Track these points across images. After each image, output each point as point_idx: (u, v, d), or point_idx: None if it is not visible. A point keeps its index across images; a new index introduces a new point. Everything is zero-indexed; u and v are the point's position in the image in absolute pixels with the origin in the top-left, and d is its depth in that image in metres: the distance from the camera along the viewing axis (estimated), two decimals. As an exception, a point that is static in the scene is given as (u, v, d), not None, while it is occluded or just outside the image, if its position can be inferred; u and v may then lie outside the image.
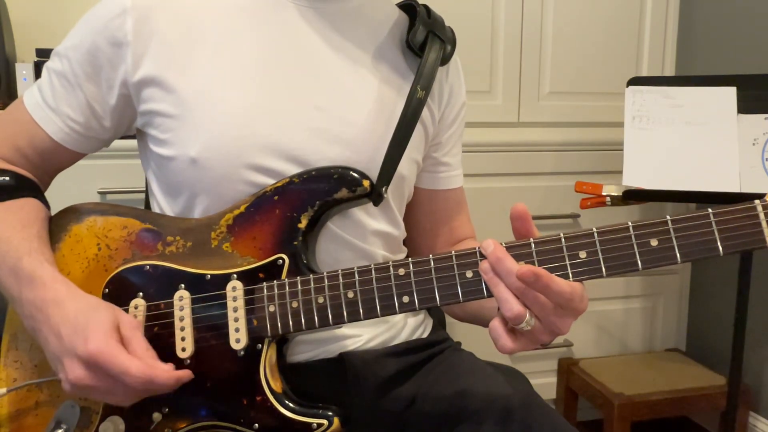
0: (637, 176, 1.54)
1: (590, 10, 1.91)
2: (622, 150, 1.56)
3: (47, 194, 0.85)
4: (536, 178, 1.85)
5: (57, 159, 0.83)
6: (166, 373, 0.66)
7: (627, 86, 1.59)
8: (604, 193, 1.57)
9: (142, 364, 0.64)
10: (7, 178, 0.79)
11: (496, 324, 0.64)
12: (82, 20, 0.80)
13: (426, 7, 0.88)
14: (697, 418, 1.99)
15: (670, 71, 2.01)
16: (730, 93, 1.50)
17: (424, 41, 0.85)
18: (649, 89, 1.57)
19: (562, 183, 1.85)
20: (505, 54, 1.87)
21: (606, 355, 1.97)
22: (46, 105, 0.80)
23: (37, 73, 1.50)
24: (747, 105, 1.49)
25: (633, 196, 1.53)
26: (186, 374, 0.68)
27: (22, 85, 1.51)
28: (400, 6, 0.92)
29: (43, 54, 1.52)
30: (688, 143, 1.51)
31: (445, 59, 0.86)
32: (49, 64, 0.82)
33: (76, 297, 0.69)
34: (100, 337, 0.64)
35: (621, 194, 1.54)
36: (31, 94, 0.82)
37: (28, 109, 0.81)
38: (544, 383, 1.91)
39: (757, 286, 1.75)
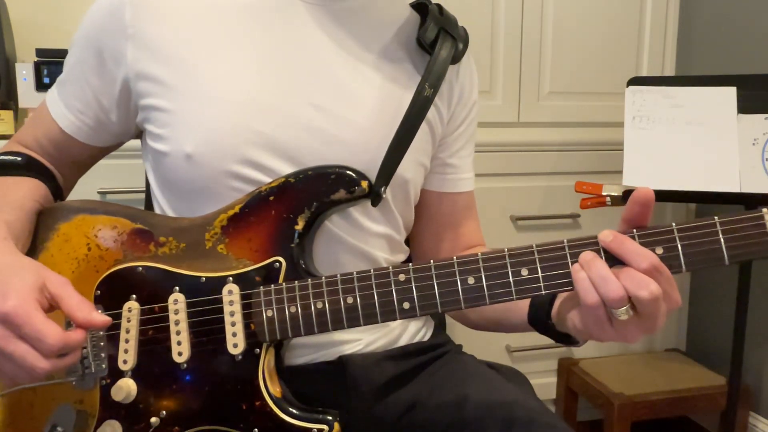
0: (637, 176, 1.54)
1: (590, 10, 1.91)
2: (622, 150, 1.56)
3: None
4: (536, 178, 1.85)
5: (70, 150, 0.86)
6: (82, 334, 0.63)
7: (627, 86, 1.59)
8: (604, 193, 1.57)
9: (60, 331, 0.61)
10: (19, 159, 0.82)
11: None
12: (86, 15, 0.81)
13: (439, 6, 0.86)
14: (697, 418, 1.99)
15: (670, 71, 2.00)
16: (730, 93, 1.50)
17: (435, 39, 0.83)
18: (649, 89, 1.56)
19: (562, 183, 1.84)
20: (505, 54, 1.86)
21: (606, 355, 1.96)
22: (60, 99, 0.84)
23: (37, 73, 1.50)
24: (747, 105, 1.48)
25: (633, 196, 1.53)
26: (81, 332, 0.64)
27: (22, 85, 1.50)
28: (413, 6, 0.89)
29: (43, 54, 1.52)
30: (688, 143, 1.51)
31: (456, 57, 0.84)
32: (66, 59, 0.85)
33: (4, 253, 0.67)
34: (20, 295, 0.61)
35: (621, 194, 1.54)
36: (51, 90, 0.86)
37: (46, 104, 0.85)
38: (544, 383, 1.91)
39: (757, 286, 1.74)
